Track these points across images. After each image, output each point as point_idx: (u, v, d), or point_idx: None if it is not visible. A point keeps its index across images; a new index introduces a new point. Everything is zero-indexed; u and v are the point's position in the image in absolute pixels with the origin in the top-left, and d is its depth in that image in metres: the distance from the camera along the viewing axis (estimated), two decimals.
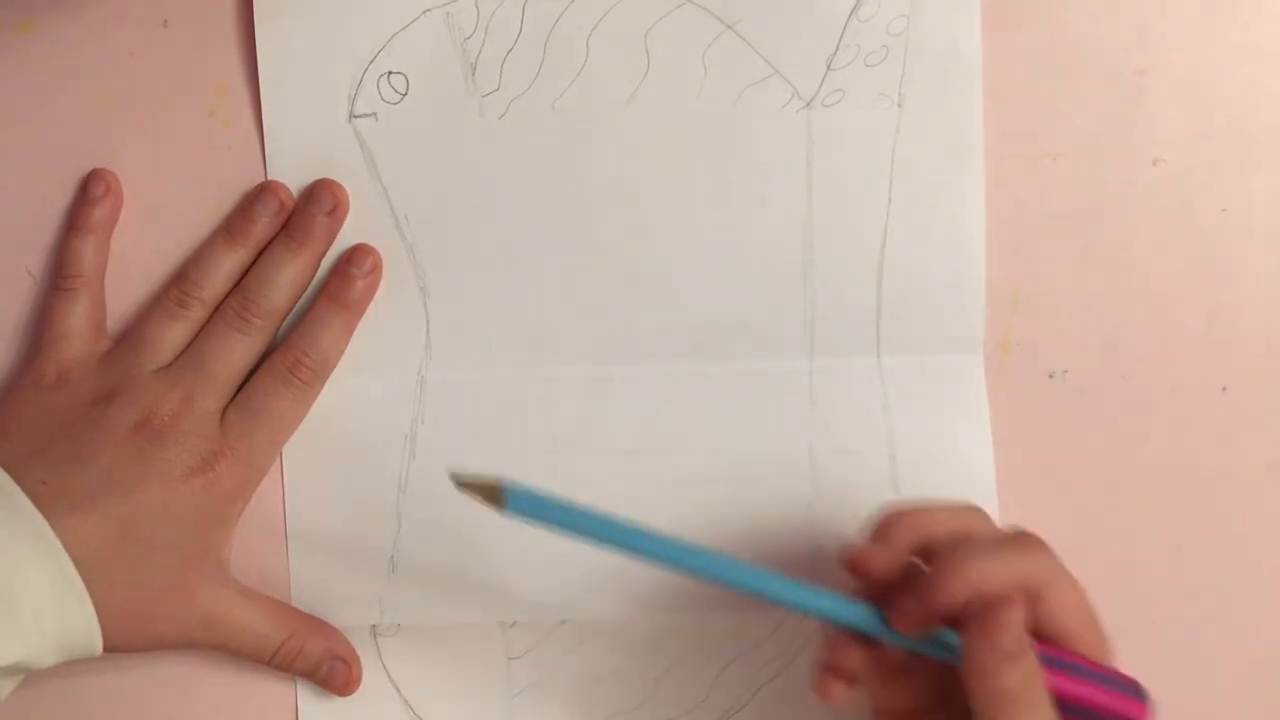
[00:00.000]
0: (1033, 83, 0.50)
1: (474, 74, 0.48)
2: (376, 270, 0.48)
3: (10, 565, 0.43)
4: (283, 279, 0.47)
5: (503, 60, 0.48)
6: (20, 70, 0.48)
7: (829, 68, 0.49)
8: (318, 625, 0.49)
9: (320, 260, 0.48)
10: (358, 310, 0.48)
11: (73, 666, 0.45)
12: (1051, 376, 0.50)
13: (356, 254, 0.48)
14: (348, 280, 0.48)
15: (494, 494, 0.40)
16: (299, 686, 0.50)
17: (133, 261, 0.49)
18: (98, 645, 0.45)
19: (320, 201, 0.48)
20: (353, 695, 0.49)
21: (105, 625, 0.44)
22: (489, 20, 0.48)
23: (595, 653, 0.51)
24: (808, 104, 0.49)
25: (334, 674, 0.49)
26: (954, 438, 0.50)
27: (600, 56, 0.48)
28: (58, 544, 0.44)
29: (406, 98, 0.48)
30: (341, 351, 0.49)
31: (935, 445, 0.50)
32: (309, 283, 0.48)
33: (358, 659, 0.49)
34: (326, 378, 0.49)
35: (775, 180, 0.49)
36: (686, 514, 0.49)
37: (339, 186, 0.48)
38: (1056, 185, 0.50)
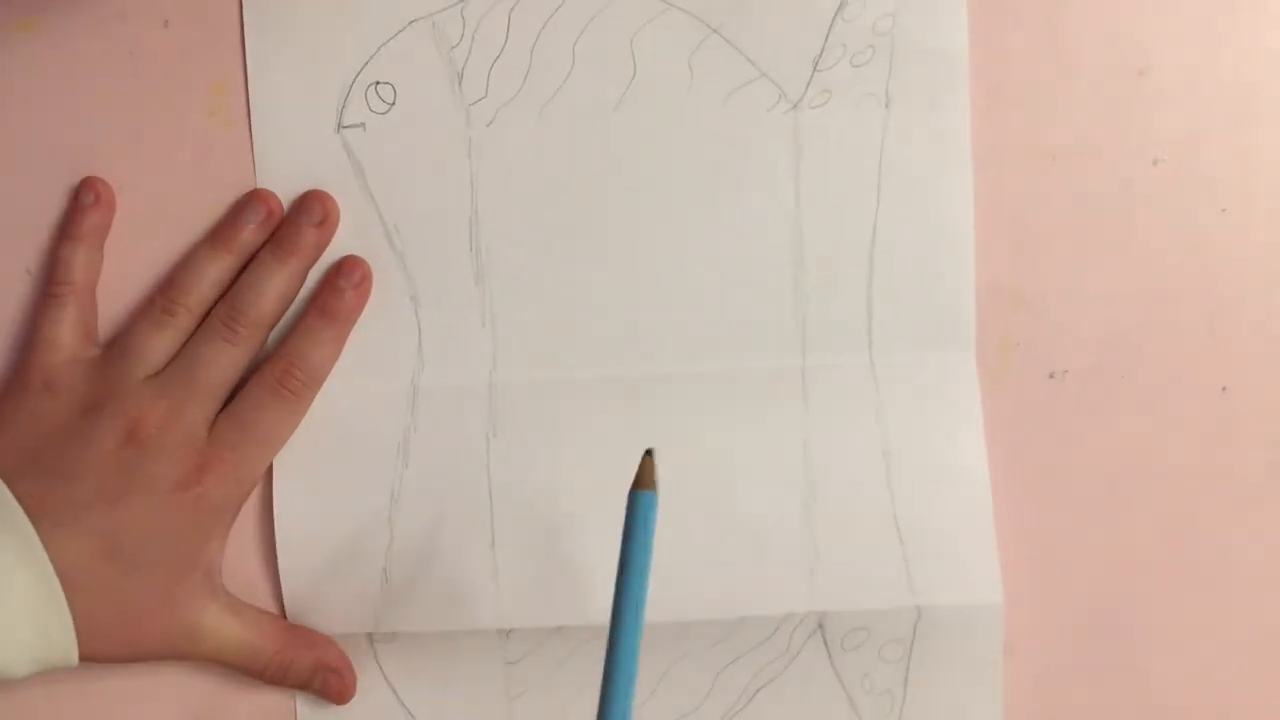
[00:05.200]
0: (1032, 83, 0.49)
1: (461, 82, 0.48)
2: (366, 282, 0.48)
3: None
4: (270, 289, 0.47)
5: (489, 68, 0.48)
6: (20, 70, 0.49)
7: (815, 69, 0.48)
8: (307, 637, 0.49)
9: (308, 271, 0.48)
10: (347, 322, 0.48)
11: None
12: (1051, 376, 0.50)
13: (345, 266, 0.48)
14: (337, 293, 0.48)
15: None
16: (298, 692, 0.50)
17: (132, 264, 0.49)
18: (73, 658, 0.44)
19: (310, 212, 0.48)
20: (352, 700, 0.50)
21: (87, 639, 0.44)
22: (475, 28, 0.48)
23: (594, 656, 0.51)
24: (795, 105, 0.49)
25: (327, 686, 0.49)
26: (947, 434, 0.49)
27: (586, 62, 0.48)
28: (44, 555, 0.43)
29: (394, 107, 0.48)
30: (332, 363, 0.48)
31: (929, 442, 0.49)
32: (297, 293, 0.48)
33: (350, 668, 0.49)
34: (317, 389, 0.48)
35: (764, 182, 0.49)
36: (682, 515, 0.49)
37: (329, 198, 0.48)
38: (1056, 185, 0.50)
